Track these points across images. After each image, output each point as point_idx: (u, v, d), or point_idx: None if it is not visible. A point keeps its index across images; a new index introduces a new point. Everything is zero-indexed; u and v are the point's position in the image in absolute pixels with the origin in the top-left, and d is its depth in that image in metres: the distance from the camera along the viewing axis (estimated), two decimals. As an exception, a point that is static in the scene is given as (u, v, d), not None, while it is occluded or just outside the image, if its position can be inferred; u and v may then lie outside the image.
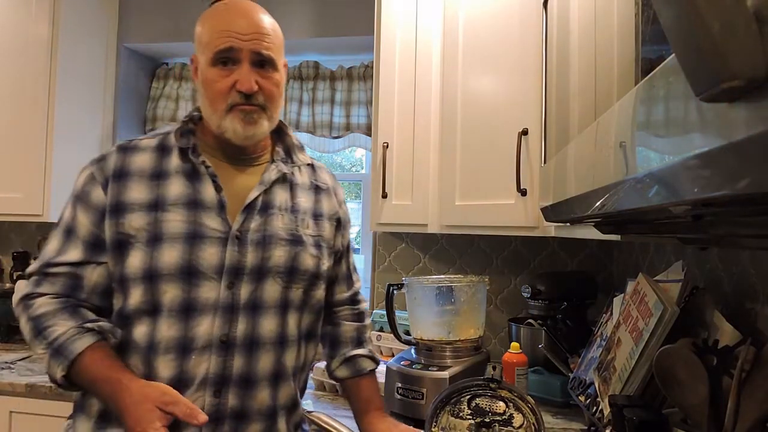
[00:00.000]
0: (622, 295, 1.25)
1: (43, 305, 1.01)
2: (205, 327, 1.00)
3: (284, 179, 1.13)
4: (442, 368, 1.43)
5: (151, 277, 0.99)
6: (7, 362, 1.89)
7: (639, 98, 0.41)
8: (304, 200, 1.15)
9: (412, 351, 1.55)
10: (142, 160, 1.05)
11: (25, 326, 1.02)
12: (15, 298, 1.06)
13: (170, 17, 2.39)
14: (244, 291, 1.03)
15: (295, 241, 1.09)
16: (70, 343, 0.97)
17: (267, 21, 1.08)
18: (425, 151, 1.76)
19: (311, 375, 1.77)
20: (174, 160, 1.06)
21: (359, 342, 1.27)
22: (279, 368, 1.06)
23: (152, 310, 1.00)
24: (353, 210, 2.62)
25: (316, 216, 1.16)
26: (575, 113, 0.71)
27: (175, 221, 1.01)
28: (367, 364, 1.25)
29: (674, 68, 0.31)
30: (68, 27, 2.17)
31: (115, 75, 2.43)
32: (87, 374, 0.97)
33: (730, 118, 0.25)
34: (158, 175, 1.04)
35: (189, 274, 1.00)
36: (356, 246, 2.56)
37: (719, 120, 0.26)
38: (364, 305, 1.33)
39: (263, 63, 1.05)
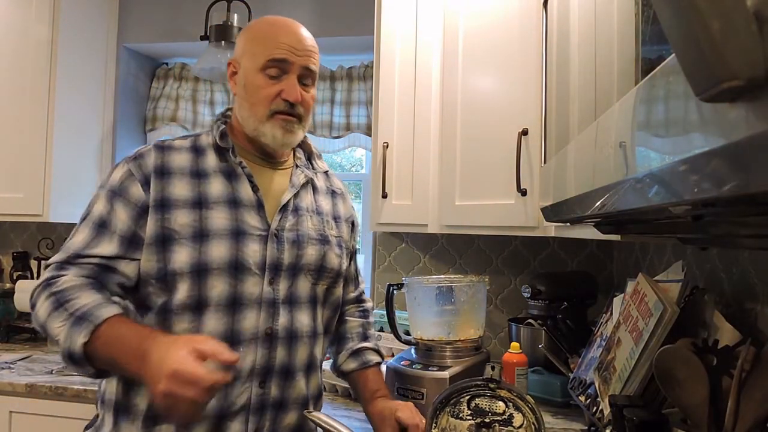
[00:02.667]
0: (622, 295, 1.25)
1: (67, 281, 0.99)
2: (251, 320, 1.05)
3: (307, 183, 1.20)
4: (442, 368, 1.43)
5: (200, 272, 1.02)
6: (7, 362, 1.89)
7: (639, 98, 0.41)
8: (325, 203, 1.23)
9: (412, 351, 1.55)
10: (181, 159, 1.09)
11: (42, 305, 0.98)
12: (40, 279, 1.02)
13: (170, 17, 2.39)
14: (283, 286, 1.09)
15: (324, 240, 1.17)
16: (96, 309, 0.94)
17: (313, 41, 1.15)
18: (425, 151, 1.76)
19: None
20: (211, 160, 1.10)
21: (365, 337, 1.31)
22: (312, 359, 1.14)
23: (197, 305, 1.02)
24: (353, 210, 2.63)
25: (336, 218, 1.24)
26: (575, 113, 0.71)
27: (219, 218, 1.05)
28: (373, 357, 1.28)
29: (674, 68, 0.31)
30: (68, 27, 2.17)
31: (115, 75, 2.43)
32: (111, 337, 0.92)
33: (730, 118, 0.25)
34: (198, 174, 1.08)
35: (236, 269, 1.04)
36: (356, 246, 2.56)
37: (719, 120, 0.26)
38: (369, 304, 1.39)
39: (306, 77, 1.12)
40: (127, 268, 1.04)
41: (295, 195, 1.16)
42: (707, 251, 1.14)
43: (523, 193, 1.53)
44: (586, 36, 0.66)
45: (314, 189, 1.22)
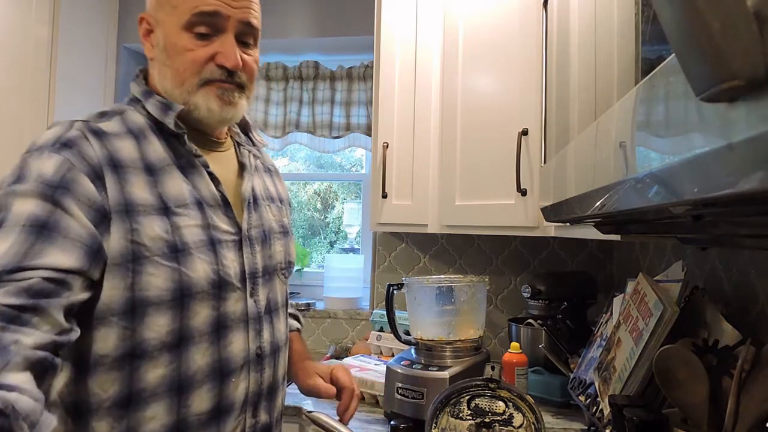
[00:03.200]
0: (622, 295, 1.25)
1: None
2: (240, 344, 0.88)
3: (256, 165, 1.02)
4: (442, 368, 1.43)
5: (182, 297, 0.81)
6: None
7: (639, 98, 0.41)
8: (270, 185, 1.04)
9: (412, 351, 1.55)
10: (127, 149, 0.82)
11: None
12: None
13: (170, 17, 2.39)
14: (262, 296, 0.93)
15: (285, 231, 1.02)
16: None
17: None
18: (425, 151, 1.76)
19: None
20: (155, 148, 0.85)
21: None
22: (286, 368, 1.03)
23: (178, 341, 0.81)
24: (353, 210, 2.62)
25: (281, 201, 1.07)
26: (575, 113, 0.71)
27: (190, 226, 0.83)
28: (294, 322, 1.19)
29: (674, 68, 0.31)
30: (68, 27, 2.17)
31: (115, 75, 2.43)
32: None
33: (730, 118, 0.25)
34: (149, 169, 0.83)
35: (219, 287, 0.85)
36: (356, 246, 2.56)
37: (719, 120, 0.26)
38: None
39: (247, 36, 0.89)
40: (82, 292, 0.73)
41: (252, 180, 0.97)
42: (707, 251, 1.14)
43: (523, 193, 1.53)
44: (586, 36, 0.66)
45: (258, 170, 1.03)
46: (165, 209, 0.81)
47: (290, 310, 1.17)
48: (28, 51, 2.14)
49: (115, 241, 0.77)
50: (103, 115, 0.86)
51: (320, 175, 2.82)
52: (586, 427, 1.34)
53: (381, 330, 1.97)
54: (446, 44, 1.73)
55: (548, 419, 1.43)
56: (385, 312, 1.59)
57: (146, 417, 0.79)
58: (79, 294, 0.73)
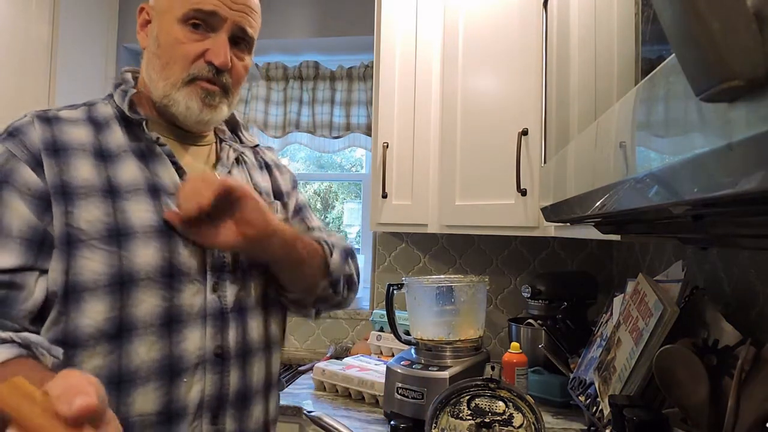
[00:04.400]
0: (622, 295, 1.25)
1: None
2: (195, 340, 0.82)
3: (238, 160, 0.99)
4: (442, 368, 1.43)
5: (122, 284, 0.77)
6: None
7: (639, 98, 0.41)
8: (261, 180, 1.01)
9: (412, 351, 1.55)
10: (77, 134, 0.82)
11: None
12: None
13: (170, 17, 2.39)
14: (230, 292, 0.87)
15: None
16: None
17: None
18: (425, 151, 1.76)
19: (311, 375, 1.77)
20: (116, 137, 0.84)
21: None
22: (269, 377, 0.95)
23: (118, 330, 0.77)
24: (353, 210, 2.62)
25: (278, 195, 1.04)
26: (575, 113, 0.71)
27: (140, 210, 0.80)
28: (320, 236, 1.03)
29: (674, 68, 0.31)
30: (68, 27, 2.17)
31: (115, 75, 2.43)
32: None
33: (730, 118, 0.25)
34: (102, 154, 0.82)
35: (170, 276, 0.81)
36: (356, 246, 2.56)
37: (719, 120, 0.26)
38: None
39: (240, 42, 0.89)
40: (38, 285, 0.75)
41: (227, 175, 0.93)
42: (707, 251, 1.14)
43: (523, 193, 1.53)
44: (586, 36, 0.66)
45: (246, 165, 1.00)
46: (110, 192, 0.80)
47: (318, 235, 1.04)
48: (28, 51, 2.14)
49: (54, 225, 0.76)
50: (72, 106, 0.87)
51: (320, 175, 2.82)
52: (586, 427, 1.34)
53: (381, 330, 1.97)
54: (446, 44, 1.73)
55: (548, 419, 1.43)
56: (385, 312, 1.59)
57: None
58: (35, 287, 0.75)
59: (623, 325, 1.12)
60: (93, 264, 0.76)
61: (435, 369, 1.43)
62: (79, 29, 2.24)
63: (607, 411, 1.01)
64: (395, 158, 1.79)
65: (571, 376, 1.38)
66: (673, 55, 0.31)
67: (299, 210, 1.09)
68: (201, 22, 0.85)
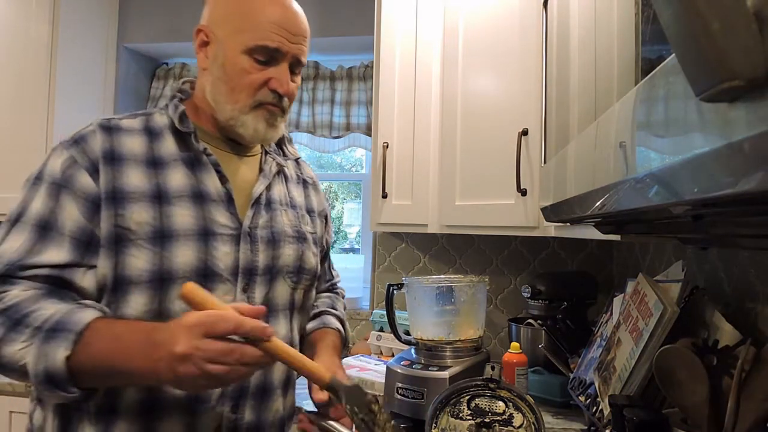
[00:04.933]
0: (622, 295, 1.25)
1: (16, 296, 0.80)
2: None
3: (279, 172, 1.07)
4: (442, 368, 1.43)
5: (161, 280, 0.86)
6: (7, 362, 1.89)
7: (639, 98, 0.41)
8: (297, 195, 1.09)
9: (412, 351, 1.55)
10: (133, 143, 0.91)
11: None
12: None
13: (170, 17, 2.39)
14: (258, 293, 0.95)
15: (301, 238, 1.04)
16: (71, 316, 0.77)
17: (306, 21, 1.00)
18: (425, 151, 1.76)
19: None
20: (168, 146, 0.94)
21: (332, 307, 1.20)
22: (289, 374, 1.03)
23: (157, 320, 0.84)
24: (353, 210, 2.62)
25: (309, 212, 1.11)
26: (575, 113, 0.71)
27: (182, 216, 0.89)
28: (334, 321, 1.15)
29: (674, 68, 0.31)
30: (68, 27, 2.17)
31: (115, 75, 2.43)
32: (104, 340, 0.76)
33: (730, 118, 0.25)
34: (154, 162, 0.91)
35: (205, 276, 0.89)
36: (356, 246, 2.56)
37: (719, 120, 0.26)
38: (342, 291, 1.30)
39: (295, 67, 0.99)
40: (85, 279, 0.85)
41: (267, 186, 1.01)
42: (707, 251, 1.14)
43: (523, 193, 1.53)
44: (586, 36, 0.66)
45: (285, 178, 1.08)
46: (158, 198, 0.89)
47: (335, 311, 1.18)
48: (28, 51, 2.14)
49: (104, 225, 0.86)
50: (133, 115, 0.97)
51: (320, 175, 2.82)
52: (586, 427, 1.34)
53: (381, 330, 1.97)
54: (446, 44, 1.73)
55: (548, 419, 1.43)
56: (385, 312, 1.59)
57: (123, 390, 0.86)
58: (83, 280, 0.85)
59: (623, 325, 1.12)
60: (138, 261, 0.86)
61: (435, 369, 1.43)
62: (79, 29, 2.24)
63: (607, 411, 1.01)
64: (395, 158, 1.79)
65: (571, 376, 1.38)
66: (673, 55, 0.31)
67: (325, 255, 1.21)
68: (265, 54, 0.93)
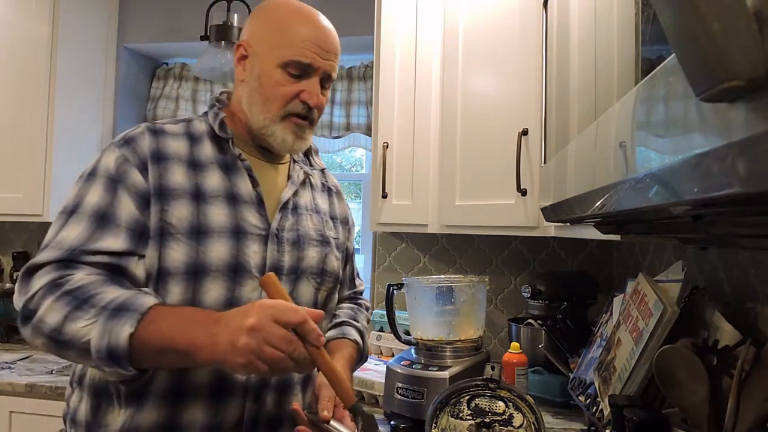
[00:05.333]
0: (622, 295, 1.25)
1: (82, 279, 0.86)
2: None
3: (305, 180, 1.14)
4: (442, 368, 1.43)
5: (196, 272, 0.93)
6: (7, 362, 1.89)
7: (639, 98, 0.41)
8: (322, 202, 1.17)
9: (412, 351, 1.55)
10: (176, 145, 0.99)
11: (52, 307, 0.83)
12: (33, 286, 0.86)
13: (170, 17, 2.39)
14: None
15: (324, 242, 1.11)
16: (135, 299, 0.83)
17: (337, 38, 1.07)
18: (425, 151, 1.76)
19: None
20: (207, 149, 1.01)
21: (354, 318, 1.22)
22: (308, 374, 1.07)
23: None
24: (353, 210, 2.62)
25: (333, 218, 1.19)
26: (575, 113, 0.71)
27: (218, 214, 0.97)
28: (353, 333, 1.17)
29: (674, 68, 0.31)
30: (68, 27, 2.17)
31: (115, 75, 2.43)
32: (166, 321, 0.82)
33: (730, 118, 0.25)
34: (194, 164, 0.99)
35: (235, 271, 0.96)
36: (356, 246, 2.56)
37: (719, 120, 0.26)
38: (365, 302, 1.33)
39: (325, 81, 1.05)
40: (138, 268, 0.93)
41: (294, 192, 1.09)
42: (707, 251, 1.14)
43: (523, 193, 1.53)
44: (586, 36, 0.66)
45: (311, 186, 1.16)
46: (197, 196, 0.96)
47: (355, 323, 1.20)
48: (28, 51, 2.13)
49: (151, 219, 0.93)
50: (175, 120, 1.05)
51: (320, 175, 2.82)
52: (586, 427, 1.34)
53: (381, 330, 1.97)
54: (446, 44, 1.73)
55: (548, 419, 1.43)
56: (385, 312, 1.59)
57: (154, 375, 0.91)
58: (136, 269, 0.92)
59: (623, 325, 1.12)
60: (176, 254, 0.93)
61: (435, 369, 1.43)
62: (79, 29, 2.24)
63: (607, 411, 1.01)
64: (395, 158, 1.79)
65: (571, 376, 1.38)
66: (673, 55, 0.31)
67: (351, 254, 1.28)
68: (298, 69, 1.01)
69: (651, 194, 0.38)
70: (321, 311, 0.89)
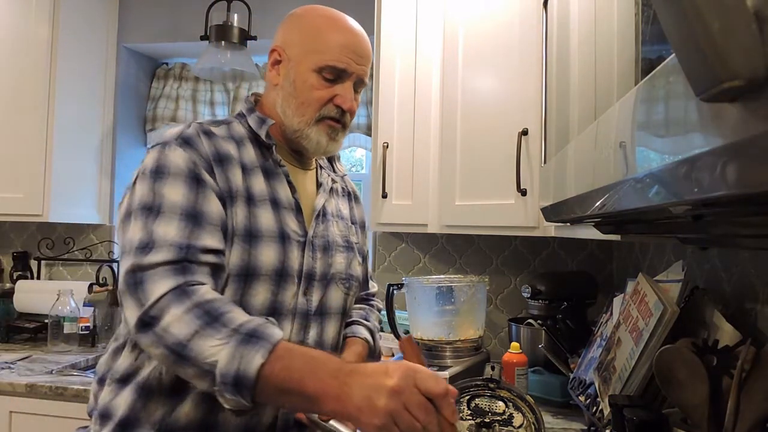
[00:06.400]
0: (622, 295, 1.25)
1: (209, 292, 0.84)
2: (285, 333, 0.95)
3: (331, 188, 1.17)
4: (442, 368, 1.43)
5: (247, 275, 0.94)
6: (7, 362, 1.89)
7: (639, 98, 0.41)
8: (343, 207, 1.19)
9: (412, 351, 1.55)
10: (228, 147, 0.99)
11: (182, 318, 0.79)
12: (153, 290, 0.82)
13: (170, 17, 2.39)
14: (315, 297, 1.04)
15: (349, 247, 1.14)
16: (266, 328, 0.80)
17: (369, 44, 1.09)
18: (425, 151, 1.76)
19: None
20: (251, 153, 1.02)
21: (365, 318, 1.24)
22: None
23: None
24: (353, 210, 2.62)
25: (353, 223, 1.21)
26: (575, 113, 0.71)
27: (267, 218, 0.98)
28: (363, 331, 1.18)
29: (674, 68, 0.31)
30: (68, 27, 2.17)
31: (115, 75, 2.43)
32: (296, 358, 0.77)
33: (730, 118, 0.25)
34: (243, 167, 0.99)
35: (280, 276, 0.98)
36: (356, 246, 2.56)
37: (719, 120, 0.26)
38: (378, 304, 1.35)
39: (358, 86, 1.08)
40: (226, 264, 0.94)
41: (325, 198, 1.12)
42: (707, 251, 1.14)
43: (523, 193, 1.53)
44: (586, 36, 0.66)
45: (335, 192, 1.18)
46: (249, 199, 0.97)
47: (366, 323, 1.21)
48: (28, 51, 2.13)
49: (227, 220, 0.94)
50: (214, 122, 1.03)
51: (320, 175, 2.82)
52: (586, 427, 1.34)
53: (381, 330, 1.97)
54: (446, 44, 1.73)
55: (548, 419, 1.43)
56: (385, 312, 1.59)
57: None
58: (226, 266, 0.93)
59: (623, 325, 1.12)
60: (232, 256, 0.94)
61: (435, 369, 1.43)
62: (79, 29, 2.24)
63: (607, 411, 1.01)
64: (395, 158, 1.79)
65: (571, 376, 1.38)
66: (673, 55, 0.31)
67: (365, 257, 1.28)
68: (333, 73, 1.02)
69: (651, 194, 0.38)
70: (456, 390, 0.82)
